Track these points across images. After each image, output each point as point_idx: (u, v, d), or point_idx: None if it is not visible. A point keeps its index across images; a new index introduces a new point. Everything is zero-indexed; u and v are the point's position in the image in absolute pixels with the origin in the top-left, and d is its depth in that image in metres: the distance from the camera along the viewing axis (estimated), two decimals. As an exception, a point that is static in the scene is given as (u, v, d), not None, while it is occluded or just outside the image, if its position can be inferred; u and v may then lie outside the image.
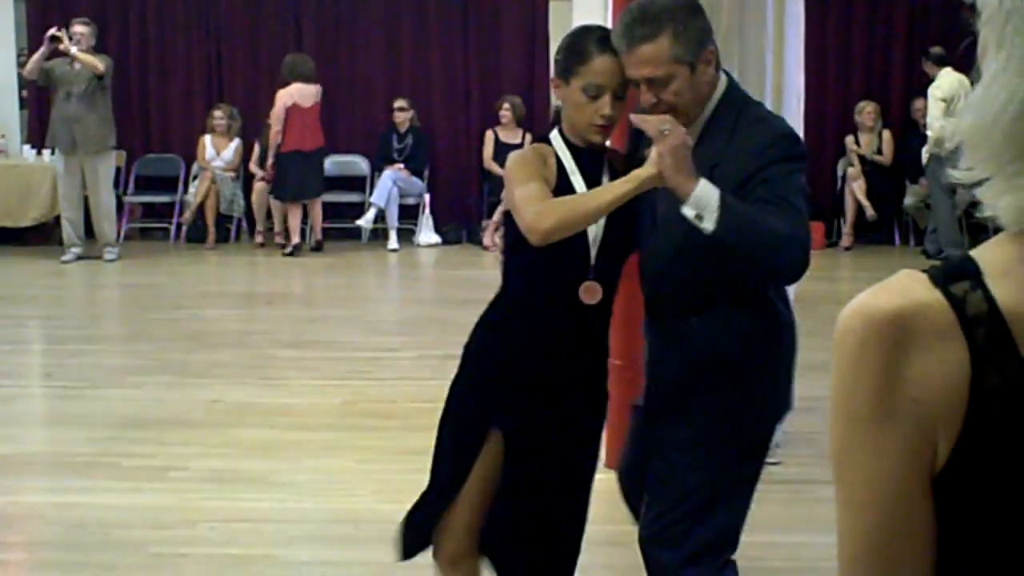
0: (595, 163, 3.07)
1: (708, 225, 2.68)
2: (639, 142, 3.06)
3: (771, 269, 2.85)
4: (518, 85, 12.56)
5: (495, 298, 3.20)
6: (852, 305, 1.15)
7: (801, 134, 5.35)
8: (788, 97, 5.22)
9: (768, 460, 5.14)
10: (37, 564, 4.47)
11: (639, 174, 2.76)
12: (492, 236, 11.48)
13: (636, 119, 2.83)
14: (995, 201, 1.12)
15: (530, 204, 2.85)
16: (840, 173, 12.07)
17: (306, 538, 4.62)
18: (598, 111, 2.92)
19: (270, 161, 11.64)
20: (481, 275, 9.91)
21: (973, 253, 1.15)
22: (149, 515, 4.80)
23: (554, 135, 3.08)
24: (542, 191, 2.89)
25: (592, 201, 2.82)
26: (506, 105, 12.02)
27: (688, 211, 2.70)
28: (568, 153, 3.05)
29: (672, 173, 2.69)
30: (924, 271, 1.14)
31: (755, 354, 3.02)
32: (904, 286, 1.12)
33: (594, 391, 3.23)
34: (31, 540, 4.67)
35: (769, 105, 5.16)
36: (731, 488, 3.04)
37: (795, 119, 5.32)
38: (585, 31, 3.02)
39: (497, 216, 3.10)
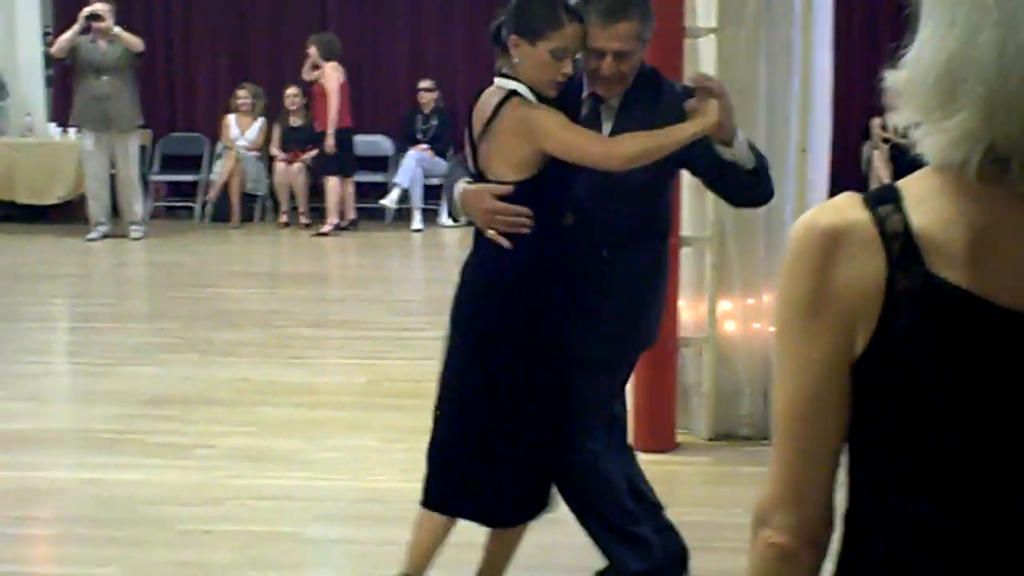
0: None
1: (748, 163, 3.24)
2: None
3: (770, 195, 3.43)
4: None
5: (499, 263, 3.33)
6: (800, 218, 1.42)
7: (829, 116, 5.35)
8: (816, 79, 5.19)
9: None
10: (65, 539, 4.51)
11: (703, 121, 3.14)
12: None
13: (698, 79, 3.27)
14: (922, 141, 1.38)
15: (596, 136, 3.21)
16: (865, 155, 12.02)
17: (332, 516, 4.65)
18: (560, 70, 3.23)
19: (331, 140, 11.64)
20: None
21: (900, 183, 1.41)
22: (176, 492, 4.84)
23: (524, 90, 3.27)
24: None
25: (668, 137, 3.18)
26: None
27: (736, 151, 3.21)
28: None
29: (730, 122, 3.17)
30: (860, 194, 1.41)
31: (663, 279, 3.66)
32: (841, 205, 1.40)
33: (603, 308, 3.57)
34: (59, 515, 4.70)
35: (797, 87, 5.15)
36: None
37: (823, 101, 5.30)
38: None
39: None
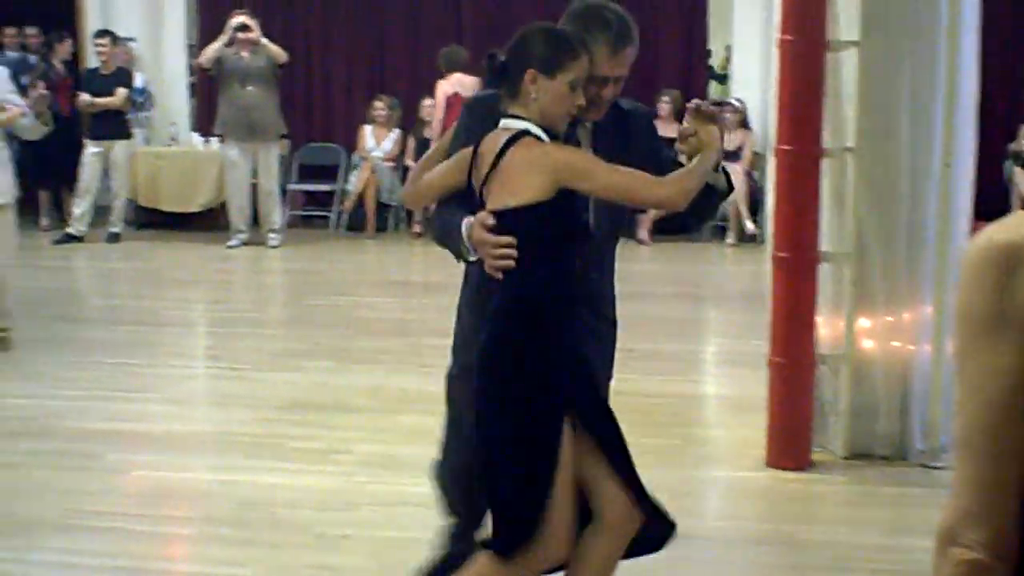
0: None
1: (723, 185, 3.32)
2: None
3: (713, 217, 3.47)
4: (675, 78, 12.48)
5: (504, 305, 3.13)
6: (976, 238, 1.46)
7: (974, 130, 5.24)
8: (962, 91, 5.09)
9: (935, 464, 5.08)
10: (205, 539, 4.61)
11: (717, 146, 3.19)
12: (647, 232, 11.53)
13: (696, 104, 3.24)
14: None
15: (647, 179, 3.09)
16: (1007, 172, 11.75)
17: (465, 524, 4.69)
18: (575, 101, 3.16)
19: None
20: (631, 268, 9.89)
21: None
22: (313, 496, 4.92)
23: (535, 130, 3.11)
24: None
25: (701, 167, 3.16)
26: (665, 98, 11.95)
27: (718, 175, 3.27)
28: None
29: (723, 149, 3.27)
30: None
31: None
32: (1017, 223, 1.44)
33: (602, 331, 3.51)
34: (200, 516, 4.81)
35: (941, 108, 5.03)
36: None
37: (968, 114, 5.18)
38: (562, 31, 3.27)
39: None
